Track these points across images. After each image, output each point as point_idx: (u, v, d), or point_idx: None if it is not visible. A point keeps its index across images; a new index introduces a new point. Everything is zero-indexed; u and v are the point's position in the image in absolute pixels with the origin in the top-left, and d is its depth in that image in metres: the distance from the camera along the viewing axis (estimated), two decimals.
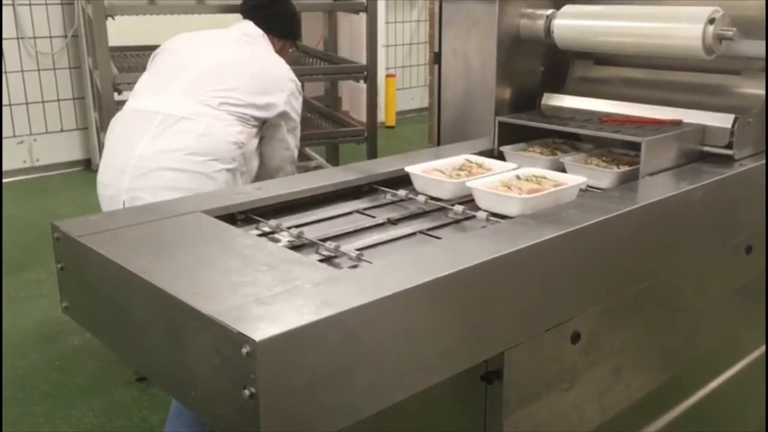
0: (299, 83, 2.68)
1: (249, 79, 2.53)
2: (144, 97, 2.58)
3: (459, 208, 1.74)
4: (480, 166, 1.98)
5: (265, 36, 2.73)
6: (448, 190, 1.83)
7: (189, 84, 2.49)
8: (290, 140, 2.65)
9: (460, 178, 1.85)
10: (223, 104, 2.45)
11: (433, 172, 1.91)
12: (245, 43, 2.67)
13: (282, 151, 2.66)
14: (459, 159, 2.01)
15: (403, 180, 1.95)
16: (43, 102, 5.91)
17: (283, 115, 2.58)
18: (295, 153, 2.73)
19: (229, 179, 2.46)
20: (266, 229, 1.68)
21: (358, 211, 1.82)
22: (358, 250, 1.49)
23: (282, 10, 2.86)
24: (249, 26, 2.73)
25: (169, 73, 2.59)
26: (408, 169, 1.92)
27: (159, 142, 2.40)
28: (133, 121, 2.51)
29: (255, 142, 2.55)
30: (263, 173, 2.65)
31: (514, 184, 1.79)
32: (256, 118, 2.51)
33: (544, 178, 1.85)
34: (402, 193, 1.88)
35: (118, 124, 2.58)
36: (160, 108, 2.46)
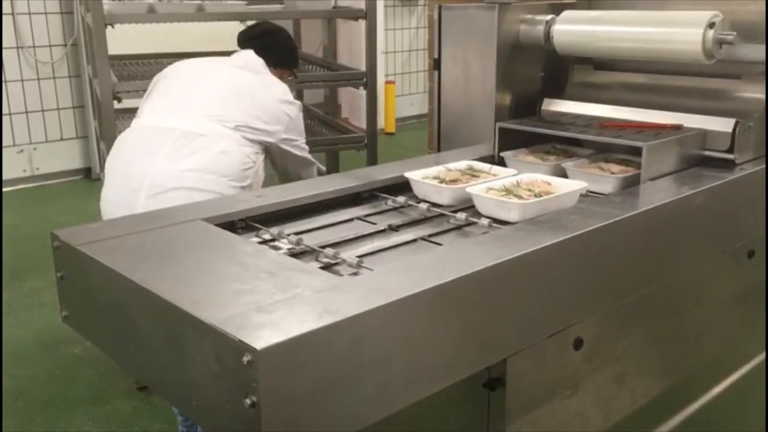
0: (300, 104, 2.73)
1: (259, 106, 2.55)
2: (156, 114, 2.54)
3: (461, 215, 1.74)
4: (481, 171, 1.97)
5: (265, 65, 2.74)
6: (448, 197, 1.82)
7: (205, 104, 2.49)
8: (297, 153, 2.70)
9: (460, 184, 1.85)
10: (239, 127, 2.46)
11: (433, 179, 1.90)
12: (249, 71, 2.69)
13: (293, 163, 2.72)
14: (459, 165, 2.01)
15: (403, 186, 1.95)
16: (42, 111, 5.92)
17: (287, 141, 2.63)
18: (308, 157, 2.79)
19: None
20: (267, 236, 1.67)
21: (358, 218, 1.82)
22: (358, 257, 1.49)
23: (278, 40, 2.88)
24: (250, 55, 2.73)
25: (181, 93, 2.58)
26: (408, 175, 1.91)
27: (175, 159, 2.37)
28: (146, 138, 2.47)
29: (262, 158, 2.59)
30: (285, 180, 2.70)
31: (514, 189, 1.79)
32: (260, 142, 2.54)
33: (545, 183, 1.84)
34: (402, 199, 1.87)
35: (128, 140, 2.51)
36: (177, 124, 2.45)
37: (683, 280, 1.90)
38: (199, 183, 2.35)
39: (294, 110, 2.66)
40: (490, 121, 2.26)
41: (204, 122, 2.44)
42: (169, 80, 2.67)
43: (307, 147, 2.75)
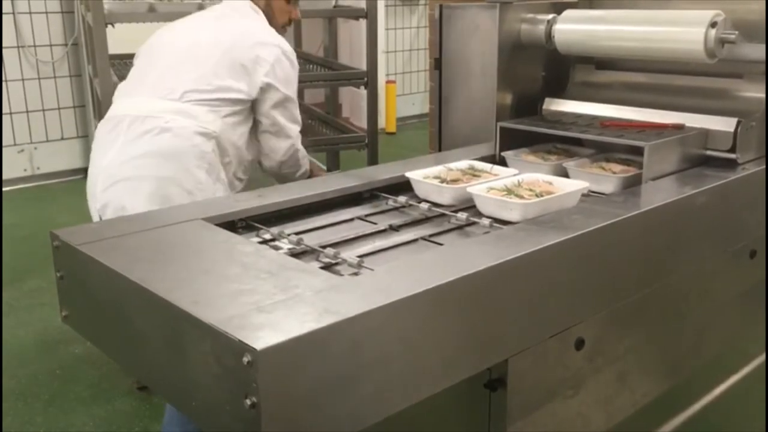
0: (291, 50, 2.33)
1: (219, 59, 2.23)
2: (116, 101, 2.41)
3: (462, 215, 1.73)
4: (482, 171, 1.97)
5: (254, 6, 2.41)
6: (449, 196, 1.82)
7: (155, 79, 2.30)
8: (280, 120, 2.28)
9: (461, 184, 1.85)
10: (187, 93, 2.22)
11: (434, 178, 1.90)
12: (224, 18, 2.37)
13: (274, 141, 2.32)
14: (460, 164, 2.00)
15: (404, 186, 1.94)
16: (43, 110, 5.92)
17: (267, 89, 2.22)
18: (296, 142, 2.36)
19: (204, 179, 2.24)
20: (267, 236, 1.67)
21: (359, 218, 1.81)
22: (359, 256, 1.48)
23: None
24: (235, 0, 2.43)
25: (138, 73, 2.42)
26: (408, 174, 1.91)
27: (126, 148, 2.23)
28: (103, 130, 2.36)
29: (240, 131, 2.27)
30: (270, 176, 2.42)
31: (516, 189, 1.78)
32: (233, 102, 2.24)
33: (546, 183, 1.84)
34: (403, 199, 1.87)
35: (97, 133, 2.44)
36: (128, 110, 2.28)
37: (685, 280, 1.89)
38: (149, 170, 2.18)
39: (274, 53, 2.24)
40: (491, 120, 2.25)
41: (151, 101, 2.25)
42: (139, 58, 2.51)
43: (297, 120, 2.37)
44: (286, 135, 2.37)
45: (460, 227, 1.72)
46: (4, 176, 5.66)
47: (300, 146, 2.45)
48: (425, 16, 7.68)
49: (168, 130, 2.20)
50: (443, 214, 1.78)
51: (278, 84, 2.29)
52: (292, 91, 2.35)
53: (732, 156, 1.99)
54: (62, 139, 6.05)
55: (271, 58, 2.27)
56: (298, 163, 2.48)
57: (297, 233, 1.64)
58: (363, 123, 4.14)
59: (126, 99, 2.39)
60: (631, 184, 1.90)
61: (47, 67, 5.83)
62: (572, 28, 2.21)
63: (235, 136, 2.29)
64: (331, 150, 4.71)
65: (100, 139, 2.39)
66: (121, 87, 2.49)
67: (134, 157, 2.23)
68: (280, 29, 2.49)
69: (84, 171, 6.37)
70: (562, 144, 2.23)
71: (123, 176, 2.24)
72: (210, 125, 2.23)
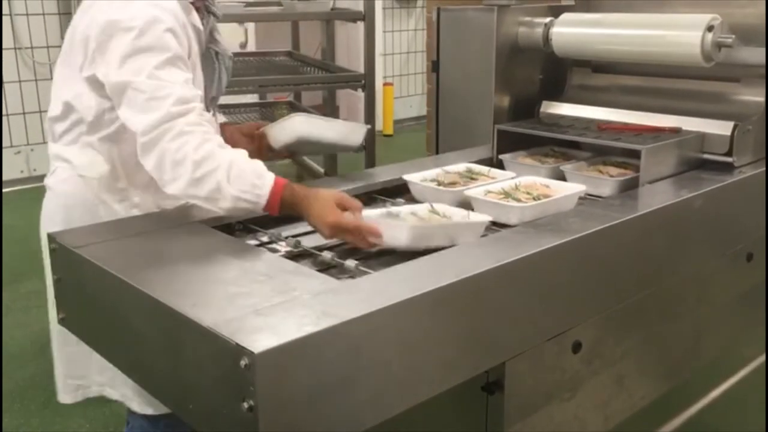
0: (166, 18, 1.60)
1: (68, 50, 1.74)
2: None
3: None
4: (479, 174, 1.97)
5: None
6: (446, 200, 1.82)
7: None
8: (130, 115, 1.57)
9: (458, 187, 1.85)
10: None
11: (431, 181, 1.90)
12: None
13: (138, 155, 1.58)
14: (458, 167, 2.01)
15: (401, 189, 1.94)
16: (40, 112, 5.90)
17: (116, 89, 1.58)
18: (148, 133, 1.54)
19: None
20: (264, 238, 1.67)
21: None
22: (357, 259, 1.48)
23: None
24: None
25: None
26: (406, 177, 1.91)
27: None
28: None
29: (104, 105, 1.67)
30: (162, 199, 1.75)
31: (513, 192, 1.78)
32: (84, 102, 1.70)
33: (544, 186, 1.84)
34: (400, 201, 1.87)
35: None
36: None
37: (682, 283, 1.90)
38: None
39: (140, 25, 1.56)
40: (488, 123, 2.25)
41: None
42: None
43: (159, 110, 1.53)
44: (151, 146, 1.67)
45: None
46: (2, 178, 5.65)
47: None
48: (423, 19, 7.69)
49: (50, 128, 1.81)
50: None
51: (104, 65, 1.67)
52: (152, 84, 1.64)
53: (728, 159, 2.00)
54: None
55: (94, 33, 1.67)
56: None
57: (295, 236, 1.64)
58: None
59: None
60: (628, 188, 1.91)
61: (44, 69, 5.82)
62: (569, 32, 2.21)
63: (113, 155, 1.78)
64: (328, 152, 4.71)
65: None
66: None
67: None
68: None
69: None
70: (560, 147, 2.23)
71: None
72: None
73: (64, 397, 1.93)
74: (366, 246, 1.54)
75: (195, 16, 1.77)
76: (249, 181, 1.52)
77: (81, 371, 1.86)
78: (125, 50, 1.57)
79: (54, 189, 1.79)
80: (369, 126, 2.17)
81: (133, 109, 1.56)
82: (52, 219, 1.76)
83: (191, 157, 1.51)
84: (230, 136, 1.93)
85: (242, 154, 1.59)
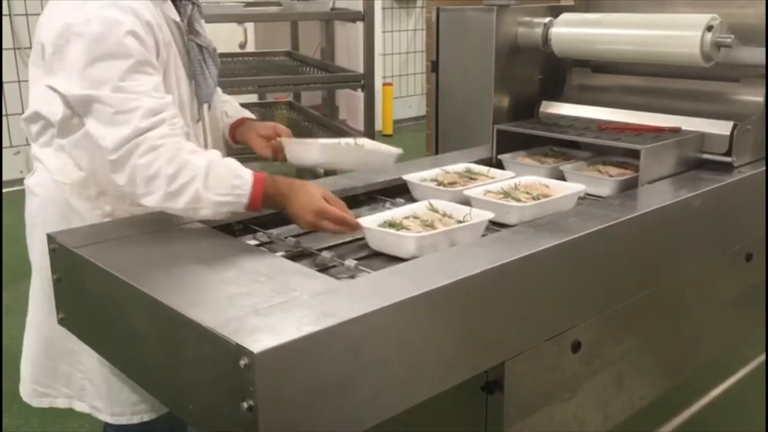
0: (125, 19, 1.51)
1: (36, 50, 1.64)
2: None
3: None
4: (479, 174, 1.97)
5: None
6: (446, 199, 1.82)
7: None
8: (92, 129, 1.52)
9: (457, 187, 1.85)
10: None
11: (431, 181, 1.90)
12: None
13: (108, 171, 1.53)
14: (457, 167, 2.01)
15: (401, 188, 1.94)
16: None
17: (79, 103, 1.52)
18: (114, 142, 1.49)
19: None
20: (264, 238, 1.67)
21: None
22: (356, 259, 1.48)
23: None
24: None
25: None
26: (405, 177, 1.91)
27: None
28: None
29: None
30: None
31: (512, 192, 1.78)
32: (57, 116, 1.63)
33: (543, 186, 1.84)
34: (400, 201, 1.87)
35: None
36: None
37: (681, 283, 1.90)
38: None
39: (94, 30, 1.48)
40: (488, 123, 2.26)
41: None
42: None
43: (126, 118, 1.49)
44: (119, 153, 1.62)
45: None
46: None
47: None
48: (422, 19, 7.69)
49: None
50: None
51: (62, 74, 1.63)
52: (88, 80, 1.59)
53: (728, 159, 2.00)
54: None
55: (49, 40, 1.62)
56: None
57: (294, 236, 1.64)
58: (360, 125, 4.15)
59: None
60: (628, 187, 1.91)
61: None
62: (569, 32, 2.21)
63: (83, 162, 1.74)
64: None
65: None
66: None
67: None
68: None
69: None
70: (559, 147, 2.23)
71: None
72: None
73: (29, 398, 1.90)
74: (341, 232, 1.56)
75: (169, 6, 1.67)
76: (227, 183, 1.50)
77: (46, 380, 1.85)
78: (84, 59, 1.49)
79: (32, 190, 1.76)
80: (400, 151, 1.93)
81: (100, 123, 1.50)
82: (32, 220, 1.75)
83: (165, 172, 1.47)
84: (246, 132, 1.87)
85: (216, 155, 1.55)
